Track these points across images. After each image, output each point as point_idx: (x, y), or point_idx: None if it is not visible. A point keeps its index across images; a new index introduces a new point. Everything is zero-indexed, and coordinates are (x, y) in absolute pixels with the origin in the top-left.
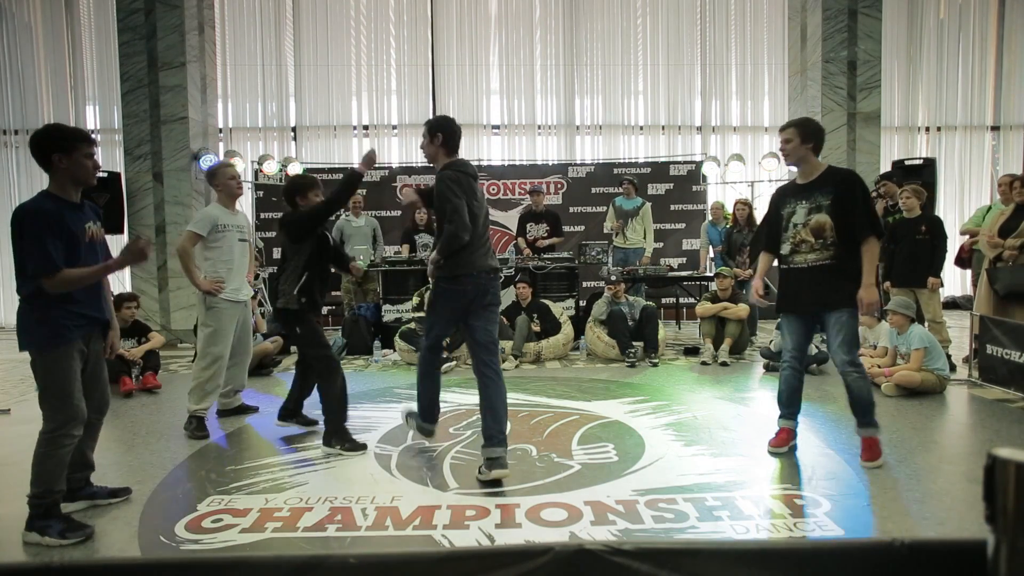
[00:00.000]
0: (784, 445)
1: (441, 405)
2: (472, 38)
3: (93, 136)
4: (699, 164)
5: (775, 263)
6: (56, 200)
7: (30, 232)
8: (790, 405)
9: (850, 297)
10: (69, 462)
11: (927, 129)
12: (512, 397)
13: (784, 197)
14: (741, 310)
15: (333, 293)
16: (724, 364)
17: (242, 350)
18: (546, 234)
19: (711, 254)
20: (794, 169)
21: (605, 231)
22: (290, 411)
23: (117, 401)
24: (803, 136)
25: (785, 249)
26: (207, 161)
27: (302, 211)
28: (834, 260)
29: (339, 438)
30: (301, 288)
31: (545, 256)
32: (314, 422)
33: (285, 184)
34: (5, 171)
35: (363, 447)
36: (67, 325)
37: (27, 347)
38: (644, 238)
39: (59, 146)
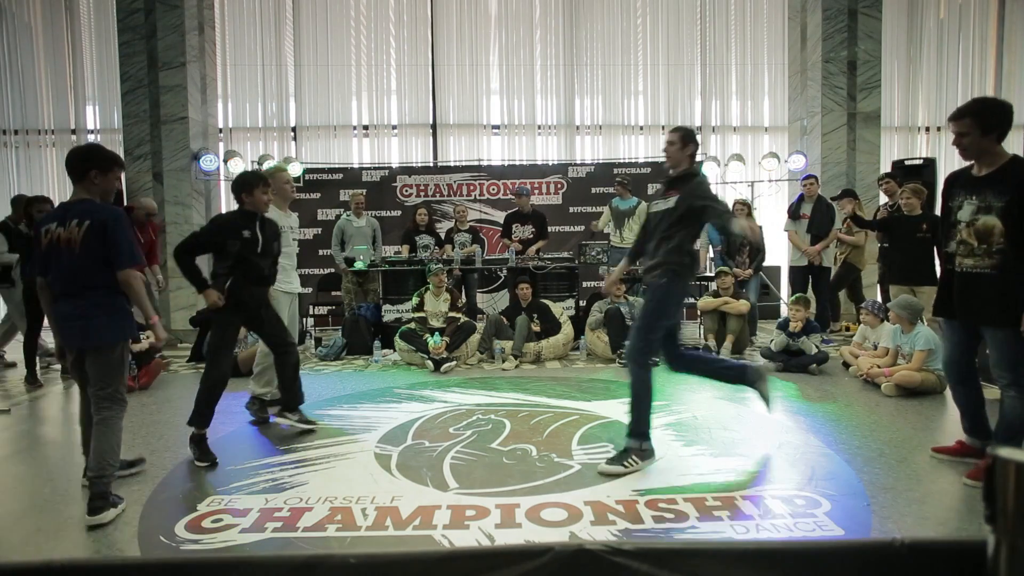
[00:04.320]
0: (954, 455)
1: (441, 405)
2: (472, 38)
3: (122, 161)
4: (699, 164)
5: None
6: None
7: (126, 229)
8: (966, 421)
9: (1012, 315)
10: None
11: (927, 129)
12: (512, 397)
13: (953, 188)
14: (742, 305)
15: (333, 293)
16: None
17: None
18: (532, 235)
19: (711, 254)
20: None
21: (599, 230)
22: (284, 402)
23: None
24: (984, 127)
25: (950, 247)
26: (207, 161)
27: (195, 233)
28: (995, 270)
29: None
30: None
31: (545, 256)
32: (312, 422)
33: (235, 178)
34: (5, 171)
35: (210, 462)
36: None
37: (117, 337)
38: None
39: (98, 165)
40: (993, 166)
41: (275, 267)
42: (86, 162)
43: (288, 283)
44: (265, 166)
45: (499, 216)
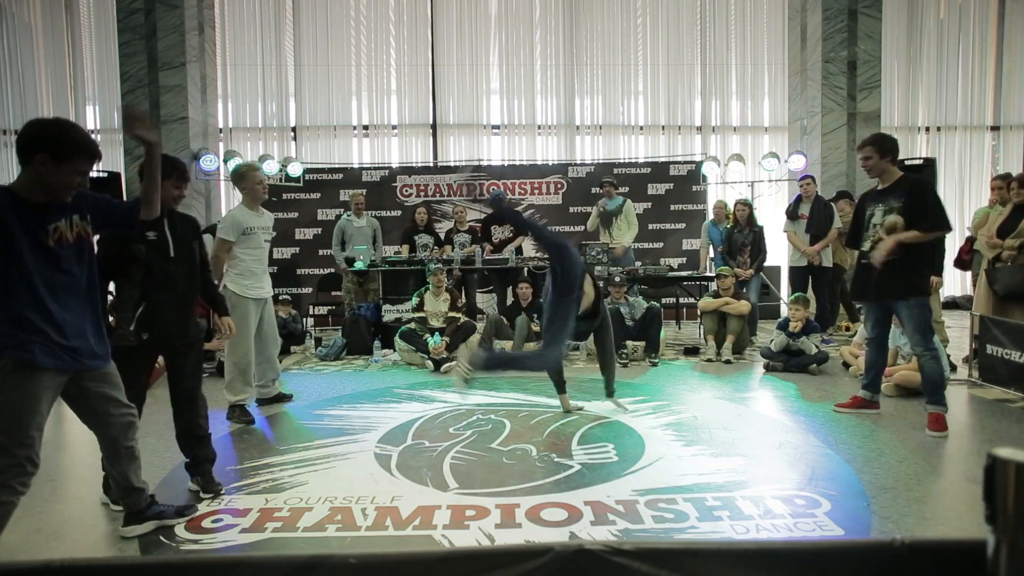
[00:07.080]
0: (851, 408)
1: (441, 405)
2: (472, 38)
3: (96, 151)
4: (699, 164)
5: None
6: (12, 197)
7: None
8: (867, 377)
9: (916, 288)
10: (121, 486)
11: (927, 129)
12: (512, 397)
13: (865, 201)
14: (743, 306)
15: (333, 293)
16: (728, 362)
17: (271, 343)
18: (511, 234)
19: (711, 254)
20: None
21: (591, 230)
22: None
23: None
24: (881, 152)
25: (865, 246)
26: (207, 161)
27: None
28: (901, 255)
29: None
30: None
31: (545, 256)
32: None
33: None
34: (5, 171)
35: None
36: (36, 346)
37: None
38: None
39: (50, 149)
40: (889, 181)
41: (197, 278)
42: (31, 142)
43: (258, 288)
44: (231, 165)
45: None
